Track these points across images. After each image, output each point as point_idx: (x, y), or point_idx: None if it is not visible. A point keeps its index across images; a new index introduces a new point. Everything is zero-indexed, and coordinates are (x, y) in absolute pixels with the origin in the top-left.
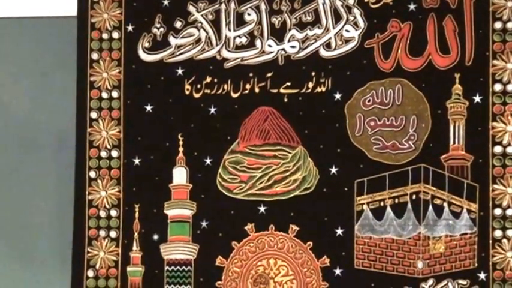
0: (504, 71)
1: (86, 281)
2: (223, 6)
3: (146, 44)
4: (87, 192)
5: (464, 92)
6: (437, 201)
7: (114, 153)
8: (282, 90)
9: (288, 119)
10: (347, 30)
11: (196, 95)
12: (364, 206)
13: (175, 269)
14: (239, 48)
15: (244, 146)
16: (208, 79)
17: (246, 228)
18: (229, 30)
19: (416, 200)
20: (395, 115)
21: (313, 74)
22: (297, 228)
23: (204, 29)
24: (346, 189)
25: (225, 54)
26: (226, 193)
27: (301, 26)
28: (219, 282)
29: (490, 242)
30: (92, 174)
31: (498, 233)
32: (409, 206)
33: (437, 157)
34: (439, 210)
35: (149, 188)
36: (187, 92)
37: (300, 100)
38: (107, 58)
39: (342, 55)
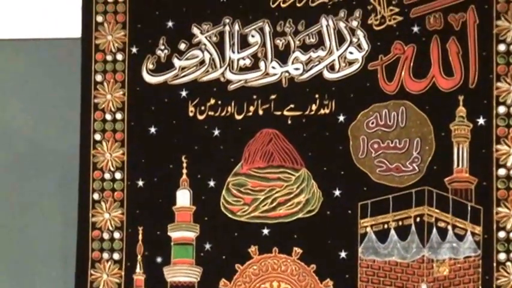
0: (508, 93)
1: None
2: (227, 28)
3: (150, 66)
4: (90, 214)
5: (468, 115)
6: (441, 224)
7: (118, 175)
8: (285, 113)
9: (291, 141)
10: (351, 52)
11: (200, 117)
12: (368, 229)
13: None
14: (243, 70)
15: (247, 168)
16: (212, 101)
17: (249, 250)
18: (233, 52)
19: (420, 222)
20: (399, 137)
21: (316, 96)
22: (301, 251)
23: (208, 51)
24: (349, 211)
25: (229, 76)
26: (229, 215)
27: (305, 48)
28: None
29: (494, 264)
30: (96, 196)
31: (502, 256)
32: (413, 228)
33: (441, 179)
34: (443, 233)
35: (153, 210)
36: (191, 114)
37: (303, 122)
38: (111, 80)
39: (346, 77)
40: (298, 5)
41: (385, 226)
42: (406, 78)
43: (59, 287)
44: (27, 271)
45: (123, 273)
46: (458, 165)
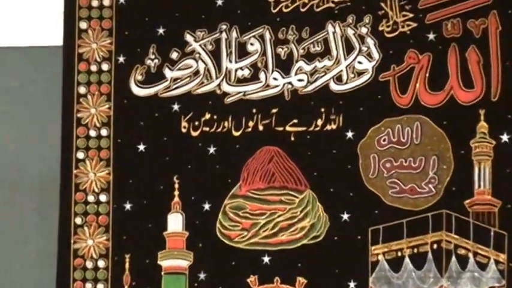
0: None
1: None
2: (223, 35)
3: (139, 77)
4: (72, 241)
5: (490, 131)
6: (461, 251)
7: (103, 198)
8: (288, 128)
9: (295, 160)
10: (360, 62)
11: (194, 133)
12: (380, 256)
13: None
14: (241, 81)
15: (246, 190)
16: (207, 115)
17: (248, 280)
18: (231, 61)
19: (437, 249)
20: (414, 156)
21: (322, 110)
22: (305, 281)
23: (203, 61)
24: (359, 237)
25: (226, 88)
26: (226, 242)
27: (309, 57)
28: None
29: None
30: (78, 220)
31: None
32: (430, 256)
33: (460, 202)
34: (463, 261)
35: (141, 236)
36: (183, 130)
37: (308, 139)
38: (95, 92)
39: (355, 89)
40: (302, 10)
41: (399, 253)
42: (421, 90)
43: None
44: None
45: None
46: (479, 186)
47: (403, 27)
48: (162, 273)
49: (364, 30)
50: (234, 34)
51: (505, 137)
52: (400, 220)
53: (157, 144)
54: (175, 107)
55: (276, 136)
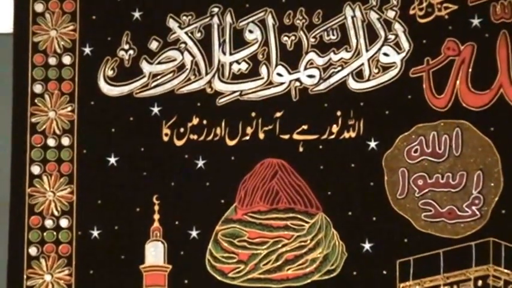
0: None
1: None
2: (215, 20)
3: (110, 72)
4: (24, 277)
5: None
6: None
7: (64, 223)
8: (295, 136)
9: (304, 176)
10: (386, 54)
11: (178, 143)
12: None
13: None
14: (237, 77)
15: (243, 213)
16: (195, 120)
17: None
18: (224, 53)
19: (483, 287)
20: (453, 170)
21: (338, 113)
22: None
23: (190, 52)
24: (384, 272)
25: (218, 86)
26: (218, 277)
27: (322, 47)
28: None
29: None
30: (33, 251)
31: None
32: None
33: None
34: None
35: (112, 270)
36: (165, 138)
37: (320, 149)
38: (54, 91)
39: (379, 88)
40: None
41: None
42: (462, 89)
43: None
44: None
45: None
46: None
47: (439, 10)
48: None
49: (391, 13)
50: (229, 19)
51: None
52: (436, 250)
53: (133, 155)
54: (155, 109)
55: (281, 146)
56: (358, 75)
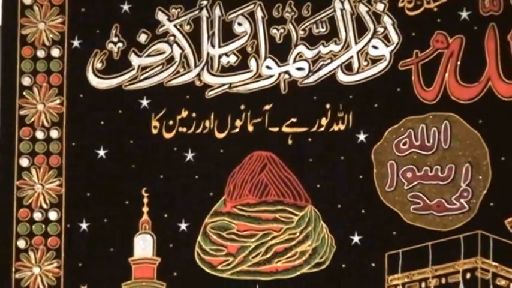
0: None
1: None
2: (204, 13)
3: (98, 65)
4: (13, 269)
5: None
6: (501, 282)
7: (53, 215)
8: (284, 129)
9: (293, 169)
10: (375, 47)
11: (167, 135)
12: None
13: None
14: (226, 70)
15: (232, 206)
16: (184, 113)
17: None
18: (213, 46)
19: (471, 279)
20: (442, 163)
21: (327, 106)
22: None
23: (179, 45)
24: (373, 264)
25: (207, 78)
26: (207, 270)
27: (311, 40)
28: None
29: None
30: (21, 243)
31: None
32: (462, 287)
33: (500, 221)
34: None
35: (101, 263)
36: (154, 131)
37: (309, 142)
38: (43, 84)
39: (368, 80)
40: None
41: (423, 285)
42: (450, 82)
43: None
44: None
45: None
46: None
47: (428, 3)
48: None
49: (380, 6)
50: (218, 11)
51: None
52: (425, 243)
53: (122, 148)
54: (144, 102)
55: (270, 139)
56: (347, 68)
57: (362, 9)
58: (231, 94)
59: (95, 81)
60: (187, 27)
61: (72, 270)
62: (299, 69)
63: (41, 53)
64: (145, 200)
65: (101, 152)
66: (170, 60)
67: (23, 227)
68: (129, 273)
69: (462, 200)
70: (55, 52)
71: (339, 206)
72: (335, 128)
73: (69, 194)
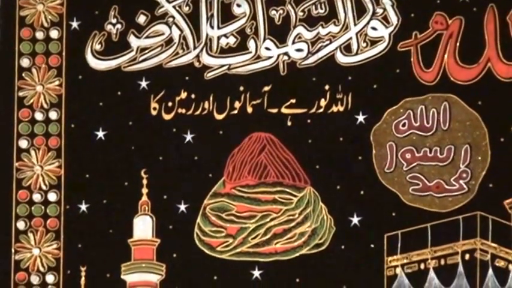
0: None
1: None
2: None
3: (97, 46)
4: (13, 251)
5: None
6: (500, 263)
7: (52, 197)
8: (283, 110)
9: (292, 150)
10: (374, 28)
11: (167, 117)
12: (398, 270)
13: None
14: (225, 51)
15: (232, 187)
16: (183, 94)
17: None
18: (212, 27)
19: (470, 260)
20: (441, 144)
21: (327, 87)
22: None
23: (178, 26)
24: (372, 246)
25: (206, 60)
26: (207, 251)
27: (310, 21)
28: None
29: None
30: (21, 225)
31: None
32: (461, 269)
33: (499, 202)
34: (502, 275)
35: (100, 244)
36: (153, 112)
37: (308, 123)
38: (42, 65)
39: (367, 62)
40: None
41: (422, 266)
42: (450, 63)
43: None
44: None
45: None
46: None
47: None
48: None
49: None
50: None
51: None
52: (424, 224)
53: (121, 129)
54: (143, 83)
55: (269, 120)
56: (346, 49)
57: None
58: (230, 75)
59: (93, 63)
60: (186, 9)
61: (72, 252)
62: (298, 50)
63: (39, 35)
64: (145, 181)
65: (100, 134)
66: (169, 41)
67: (22, 209)
68: (128, 254)
69: (461, 181)
70: (54, 33)
71: (338, 187)
72: (334, 109)
73: (68, 176)
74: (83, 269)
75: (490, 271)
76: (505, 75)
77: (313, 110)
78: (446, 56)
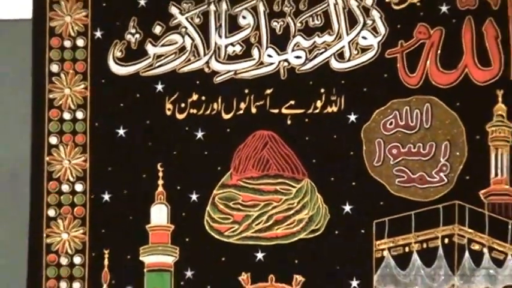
0: None
1: None
2: (212, 7)
3: (118, 54)
4: (44, 235)
5: (509, 113)
6: (476, 247)
7: (79, 187)
8: (284, 111)
9: (291, 146)
10: (364, 37)
11: (180, 116)
12: (385, 252)
13: None
14: (232, 58)
15: (238, 179)
16: (195, 97)
17: (240, 278)
18: (220, 36)
19: (449, 244)
20: (423, 141)
21: (322, 90)
22: (303, 279)
23: (190, 36)
24: (362, 231)
25: (215, 66)
26: (216, 236)
27: (308, 31)
28: None
29: None
30: (51, 212)
31: None
32: (441, 251)
33: (475, 192)
34: (477, 257)
35: (121, 229)
36: (168, 113)
37: (306, 122)
38: (69, 71)
39: (358, 67)
40: None
41: (406, 249)
42: (432, 68)
43: None
44: None
45: None
46: (496, 174)
47: None
48: (145, 270)
49: (369, 1)
50: (224, 6)
51: None
52: (408, 212)
53: (139, 128)
54: (159, 87)
55: (271, 119)
56: (340, 56)
57: (353, 3)
58: (236, 80)
59: (115, 68)
60: (197, 20)
61: (96, 236)
62: (297, 57)
63: (67, 43)
64: (160, 174)
65: (121, 131)
66: (182, 49)
67: (52, 198)
68: (146, 238)
69: (441, 174)
70: (80, 42)
71: (332, 179)
72: (329, 109)
73: (93, 169)
74: (106, 251)
75: (467, 254)
76: (481, 80)
77: (310, 111)
78: (428, 62)
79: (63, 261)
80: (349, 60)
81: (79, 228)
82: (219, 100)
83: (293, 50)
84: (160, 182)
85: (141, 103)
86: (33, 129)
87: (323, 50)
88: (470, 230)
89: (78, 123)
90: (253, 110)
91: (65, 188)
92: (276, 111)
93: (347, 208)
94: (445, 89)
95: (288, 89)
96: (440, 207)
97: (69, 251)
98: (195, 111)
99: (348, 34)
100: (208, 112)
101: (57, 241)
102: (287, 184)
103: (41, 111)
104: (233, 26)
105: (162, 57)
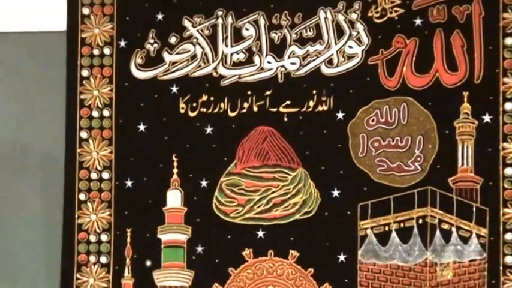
0: None
1: None
2: (220, 20)
3: (139, 61)
4: (76, 216)
5: (473, 111)
6: (445, 226)
7: (105, 175)
8: (281, 109)
9: (288, 140)
10: (350, 46)
11: (192, 114)
12: (368, 231)
13: None
14: (237, 64)
15: (242, 168)
16: (204, 97)
17: (243, 253)
18: (227, 46)
19: (422, 224)
20: (401, 135)
21: (314, 92)
22: (297, 254)
23: (200, 45)
24: (348, 212)
25: (222, 71)
26: (223, 217)
27: (301, 41)
28: None
29: (501, 268)
30: (82, 196)
31: (509, 259)
32: (416, 230)
33: (445, 179)
34: (447, 235)
35: (142, 211)
36: (182, 111)
37: (300, 119)
38: (98, 75)
39: (345, 72)
40: None
41: (386, 228)
42: (408, 73)
43: None
44: (9, 275)
45: (110, 277)
46: (462, 164)
47: (391, 13)
48: (162, 246)
49: (354, 16)
50: (230, 20)
51: (487, 118)
52: (388, 196)
53: (157, 124)
54: (174, 89)
55: (270, 117)
56: (329, 62)
57: (340, 18)
58: (240, 83)
59: (136, 73)
60: (206, 32)
61: (120, 217)
62: (292, 63)
63: (96, 52)
64: (175, 164)
65: (142, 127)
66: (194, 57)
67: (83, 184)
68: (163, 219)
69: (416, 164)
70: (107, 51)
71: (323, 168)
72: (320, 108)
73: (117, 159)
74: (128, 230)
75: (438, 232)
76: (450, 83)
77: (303, 109)
78: (405, 68)
79: (92, 238)
80: (337, 66)
81: (105, 210)
82: (226, 100)
83: (289, 57)
84: (175, 170)
85: (159, 103)
86: (67, 125)
87: (315, 57)
88: (440, 212)
89: (104, 120)
90: (255, 109)
91: (94, 175)
92: (274, 109)
93: (335, 193)
94: (419, 91)
95: (285, 91)
96: (415, 192)
97: (97, 229)
98: (205, 110)
99: (336, 44)
100: (216, 111)
101: (86, 221)
102: (284, 172)
103: (74, 110)
104: (238, 36)
105: (177, 64)
